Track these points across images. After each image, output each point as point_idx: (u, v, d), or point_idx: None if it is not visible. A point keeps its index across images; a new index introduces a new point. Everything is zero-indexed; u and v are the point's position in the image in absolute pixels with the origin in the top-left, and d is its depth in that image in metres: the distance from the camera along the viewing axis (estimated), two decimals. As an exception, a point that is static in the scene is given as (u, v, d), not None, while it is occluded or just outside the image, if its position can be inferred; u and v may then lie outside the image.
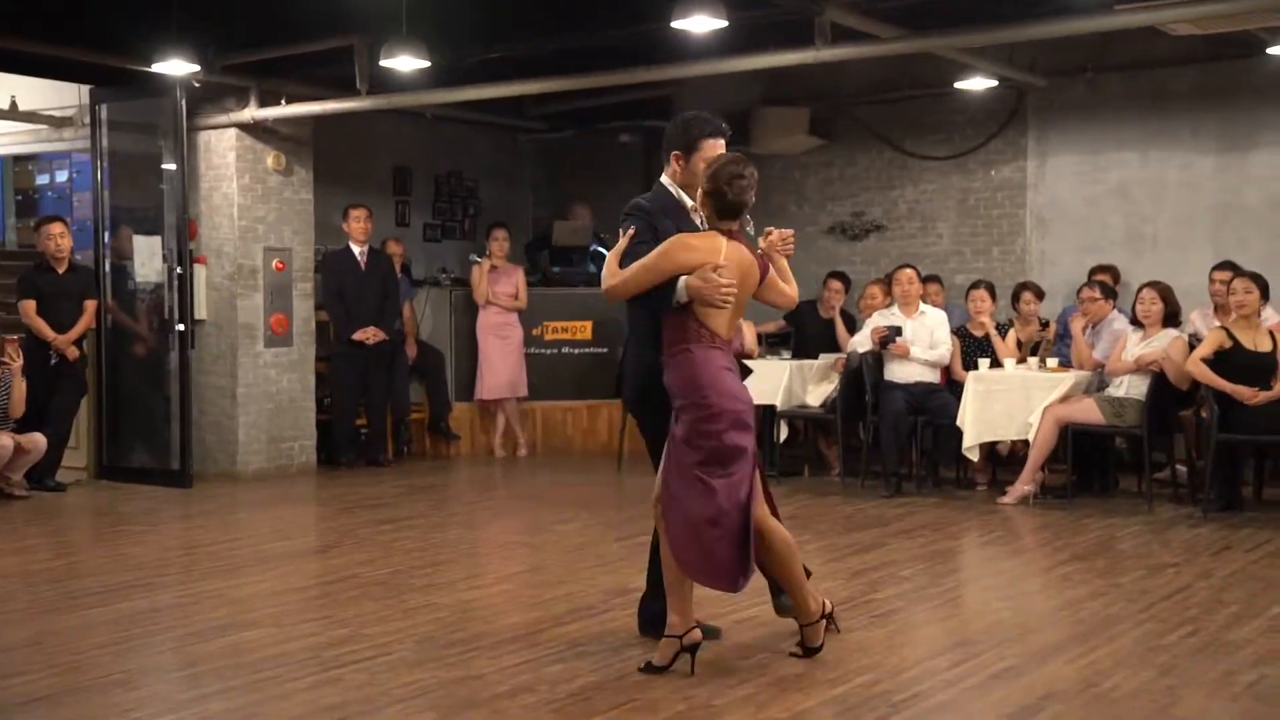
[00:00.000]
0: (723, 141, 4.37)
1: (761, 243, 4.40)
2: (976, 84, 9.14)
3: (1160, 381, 7.37)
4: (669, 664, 4.16)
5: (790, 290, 4.48)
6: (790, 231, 4.50)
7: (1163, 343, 7.41)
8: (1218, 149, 9.20)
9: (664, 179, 4.43)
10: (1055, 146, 9.83)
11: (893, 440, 8.02)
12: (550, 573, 5.86)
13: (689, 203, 4.37)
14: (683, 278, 4.10)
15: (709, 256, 4.12)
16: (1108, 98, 9.55)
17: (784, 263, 4.46)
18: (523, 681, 4.15)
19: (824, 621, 4.40)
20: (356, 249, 9.40)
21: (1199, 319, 8.14)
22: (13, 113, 9.79)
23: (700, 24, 6.70)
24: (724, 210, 4.18)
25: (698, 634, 4.19)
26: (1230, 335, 7.10)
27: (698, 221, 4.35)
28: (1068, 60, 9.38)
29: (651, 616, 4.47)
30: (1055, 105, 9.75)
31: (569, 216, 10.82)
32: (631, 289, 4.19)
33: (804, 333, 9.69)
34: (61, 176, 10.96)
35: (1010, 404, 7.71)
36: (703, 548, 4.12)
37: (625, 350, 4.23)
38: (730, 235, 4.21)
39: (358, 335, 9.23)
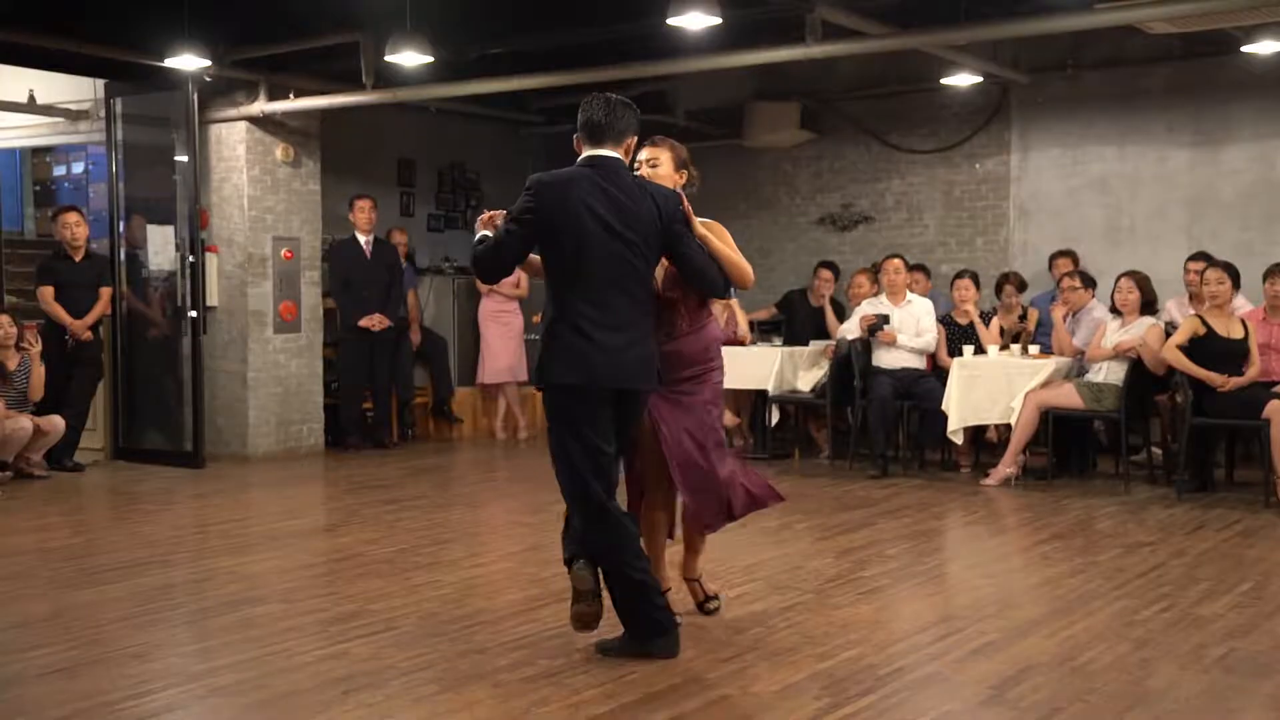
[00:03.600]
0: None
1: None
2: (962, 80, 9.12)
3: (1137, 367, 7.38)
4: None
5: None
6: None
7: (1140, 330, 7.42)
8: (1192, 143, 9.20)
9: (624, 160, 4.10)
10: (1037, 140, 9.83)
11: (880, 424, 8.03)
12: (549, 551, 5.85)
13: None
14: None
15: None
16: (1087, 93, 9.54)
17: None
18: (522, 655, 4.15)
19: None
20: (362, 238, 9.38)
21: (1175, 307, 8.15)
22: (31, 106, 9.76)
23: (695, 21, 6.69)
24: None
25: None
26: (1204, 323, 7.10)
27: None
28: (1049, 57, 9.38)
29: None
30: (1037, 100, 9.74)
31: None
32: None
33: (795, 320, 9.70)
34: (78, 168, 10.92)
35: (993, 389, 7.72)
36: (743, 479, 4.49)
37: (626, 336, 3.97)
38: None
39: (364, 322, 9.22)
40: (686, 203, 4.20)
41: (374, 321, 9.23)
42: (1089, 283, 8.10)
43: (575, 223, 3.93)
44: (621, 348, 3.98)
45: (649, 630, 4.06)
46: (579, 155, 4.09)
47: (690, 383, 4.31)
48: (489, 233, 4.11)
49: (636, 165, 4.26)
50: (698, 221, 4.19)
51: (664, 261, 4.18)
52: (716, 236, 4.25)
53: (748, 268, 4.28)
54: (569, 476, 4.04)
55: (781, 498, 4.64)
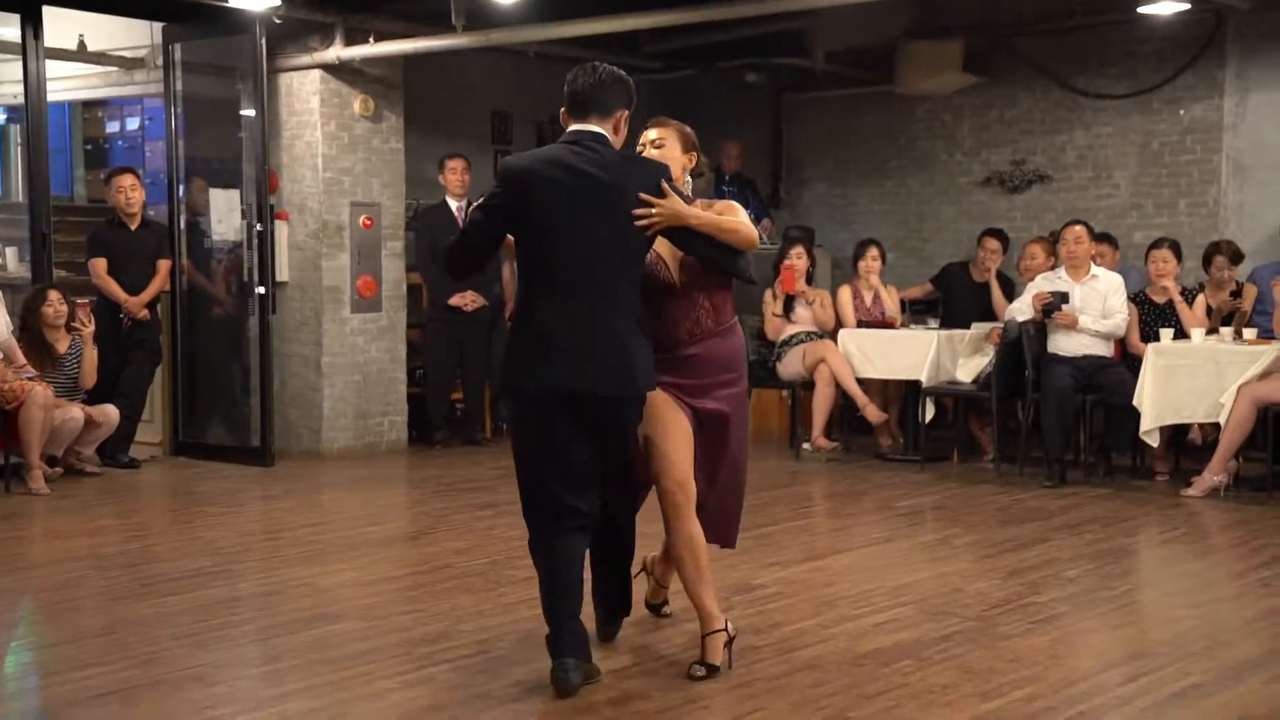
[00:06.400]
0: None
1: None
2: (1164, 8, 8.87)
3: (1379, 356, 7.13)
4: (729, 660, 4.33)
5: None
6: None
7: (1383, 311, 7.16)
8: None
9: (611, 137, 4.18)
10: (1260, 80, 9.50)
11: (1056, 422, 7.91)
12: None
13: None
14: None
15: None
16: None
17: None
18: (633, 686, 4.19)
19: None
20: (454, 204, 9.52)
21: None
22: (81, 54, 10.07)
23: (839, -56, 6.63)
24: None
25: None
26: None
27: None
28: (1275, -21, 9.07)
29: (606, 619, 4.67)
30: (1261, 31, 9.42)
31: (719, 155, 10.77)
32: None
33: (954, 298, 9.59)
34: (133, 124, 11.27)
35: (1198, 381, 7.54)
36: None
37: (606, 331, 4.08)
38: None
39: (454, 300, 9.36)
40: (679, 178, 4.30)
41: (466, 300, 9.37)
42: (1320, 253, 7.84)
43: (542, 208, 4.04)
44: (584, 348, 4.06)
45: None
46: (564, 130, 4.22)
47: (727, 389, 4.47)
48: None
49: (641, 146, 4.43)
50: (691, 202, 4.22)
51: (677, 251, 4.28)
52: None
53: (744, 230, 4.26)
54: (522, 491, 4.32)
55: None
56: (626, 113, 4.19)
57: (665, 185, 4.10)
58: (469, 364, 9.61)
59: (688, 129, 4.48)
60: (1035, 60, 10.36)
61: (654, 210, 4.06)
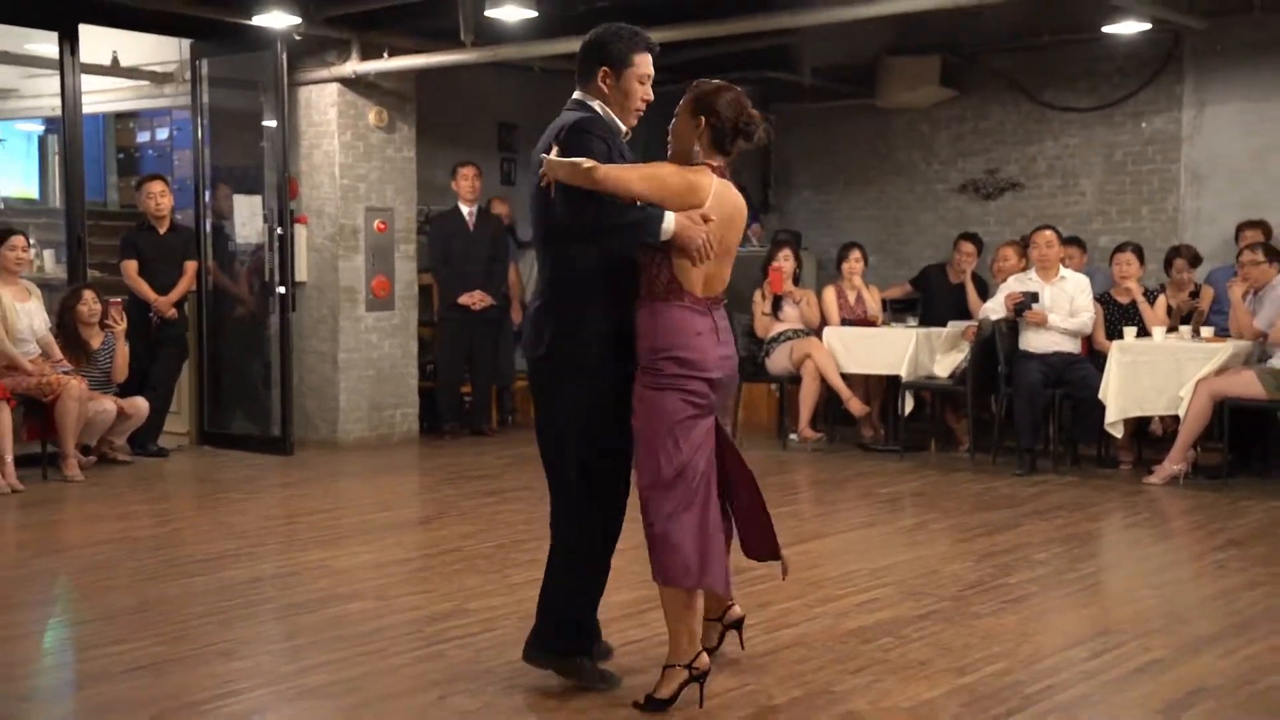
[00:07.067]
0: (651, 58, 3.95)
1: None
2: (1126, 27, 8.85)
3: (1329, 353, 7.11)
4: (674, 697, 3.72)
5: None
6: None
7: (1332, 310, 7.14)
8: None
9: (591, 101, 3.90)
10: (1215, 94, 9.50)
11: (1027, 414, 7.90)
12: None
13: (622, 127, 3.95)
14: (672, 213, 3.67)
15: (700, 198, 3.71)
16: (1276, 39, 9.18)
17: None
18: (632, 661, 4.17)
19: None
20: (465, 209, 9.49)
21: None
22: (114, 69, 10.08)
23: (824, -34, 6.61)
24: (722, 144, 3.80)
25: (706, 659, 3.77)
26: None
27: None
28: None
29: (537, 639, 4.00)
30: (1216, 49, 9.41)
31: None
32: (615, 187, 3.65)
33: (932, 298, 9.57)
34: (162, 134, 11.26)
35: (1159, 376, 7.52)
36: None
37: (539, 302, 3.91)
38: (724, 175, 3.85)
39: (464, 299, 9.33)
40: (685, 146, 3.83)
41: (475, 299, 9.34)
42: (1273, 256, 7.81)
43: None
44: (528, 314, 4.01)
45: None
46: None
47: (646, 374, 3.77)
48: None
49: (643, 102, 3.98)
50: (578, 162, 3.63)
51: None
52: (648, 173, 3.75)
53: (636, 179, 3.69)
54: None
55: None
56: (605, 68, 3.87)
57: (555, 144, 3.77)
58: (478, 360, 9.58)
59: (704, 88, 3.85)
60: (1007, 76, 10.35)
61: (543, 170, 3.75)
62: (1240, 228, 8.83)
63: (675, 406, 3.71)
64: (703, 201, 3.73)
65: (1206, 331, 7.82)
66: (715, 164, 3.83)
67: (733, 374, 3.88)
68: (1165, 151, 9.76)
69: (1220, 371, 7.37)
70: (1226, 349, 7.47)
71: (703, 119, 3.80)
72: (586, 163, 3.64)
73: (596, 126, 3.83)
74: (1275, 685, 3.97)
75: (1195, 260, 8.69)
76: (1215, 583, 5.34)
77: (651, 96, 3.99)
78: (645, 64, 3.92)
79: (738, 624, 4.18)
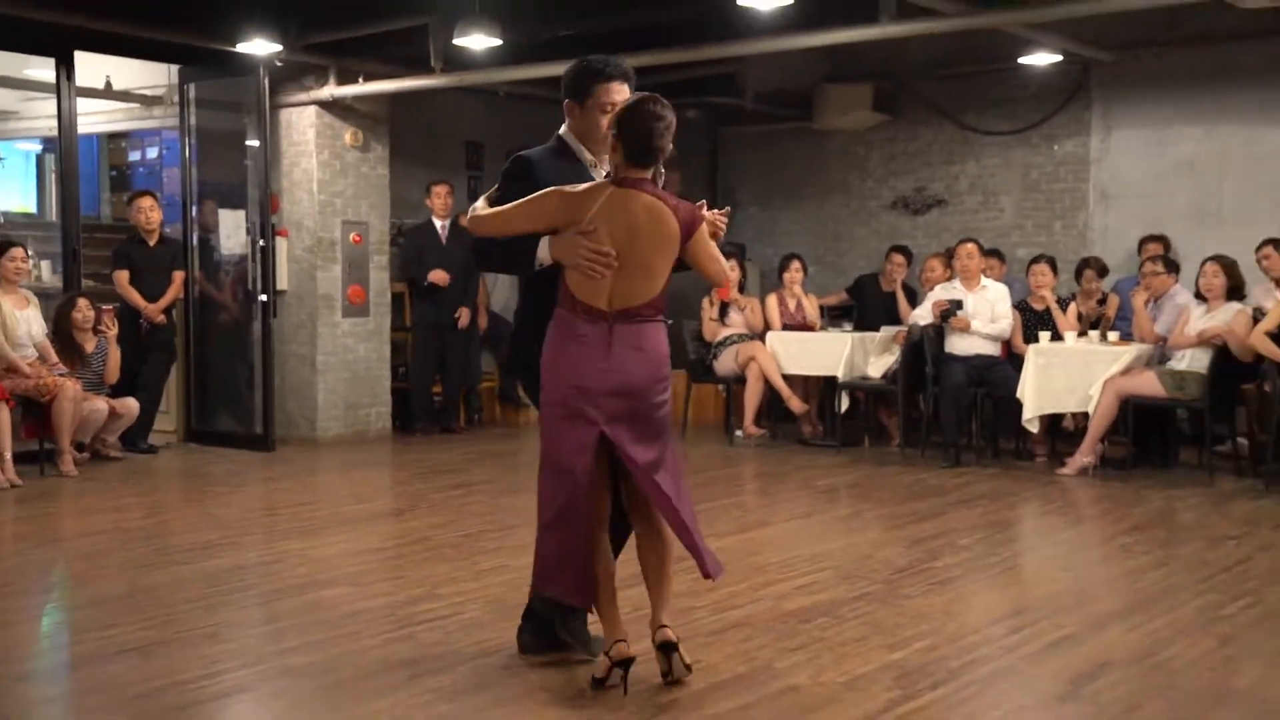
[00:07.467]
0: (624, 86, 3.76)
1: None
2: (1040, 59, 8.95)
3: (1223, 355, 7.21)
4: (605, 678, 3.62)
5: (715, 267, 3.76)
6: (726, 210, 3.92)
7: (1226, 316, 7.25)
8: (1286, 123, 8.94)
9: (563, 131, 3.89)
10: (1120, 121, 9.62)
11: (953, 412, 7.95)
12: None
13: (589, 157, 3.84)
14: (545, 238, 3.61)
15: (580, 214, 3.56)
16: (1175, 72, 9.31)
17: (713, 245, 3.76)
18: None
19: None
20: (438, 223, 9.46)
21: (1263, 293, 7.94)
22: (107, 92, 9.97)
23: (766, 0, 6.63)
24: (634, 155, 3.57)
25: (624, 648, 3.60)
26: (1294, 309, 6.91)
27: (599, 178, 3.75)
28: (1134, 34, 9.17)
29: (533, 629, 3.98)
30: (1121, 80, 9.53)
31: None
32: (495, 228, 3.65)
33: (866, 305, 9.63)
34: (152, 153, 11.13)
35: (1071, 377, 7.59)
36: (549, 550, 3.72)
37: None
38: (636, 185, 3.59)
39: (433, 276, 9.23)
40: (598, 159, 3.81)
41: (440, 277, 9.24)
42: (1172, 267, 7.92)
43: None
44: None
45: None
46: None
47: None
48: None
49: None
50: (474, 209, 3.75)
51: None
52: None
53: (515, 213, 3.63)
54: None
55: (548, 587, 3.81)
56: (570, 100, 3.83)
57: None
58: (449, 364, 9.55)
59: (621, 106, 3.69)
60: (934, 102, 10.42)
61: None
62: (1143, 241, 8.96)
63: (550, 408, 3.66)
64: (581, 218, 3.56)
65: (1113, 336, 7.92)
66: (637, 176, 3.61)
67: (627, 390, 3.62)
68: (1076, 172, 9.87)
69: (1125, 372, 7.45)
70: (1131, 352, 7.56)
71: (613, 135, 3.63)
72: (474, 209, 3.73)
73: (533, 162, 3.77)
74: (1174, 657, 4.01)
75: (1103, 271, 8.80)
76: (1120, 564, 5.40)
77: None
78: (606, 93, 3.75)
79: (662, 646, 3.69)
